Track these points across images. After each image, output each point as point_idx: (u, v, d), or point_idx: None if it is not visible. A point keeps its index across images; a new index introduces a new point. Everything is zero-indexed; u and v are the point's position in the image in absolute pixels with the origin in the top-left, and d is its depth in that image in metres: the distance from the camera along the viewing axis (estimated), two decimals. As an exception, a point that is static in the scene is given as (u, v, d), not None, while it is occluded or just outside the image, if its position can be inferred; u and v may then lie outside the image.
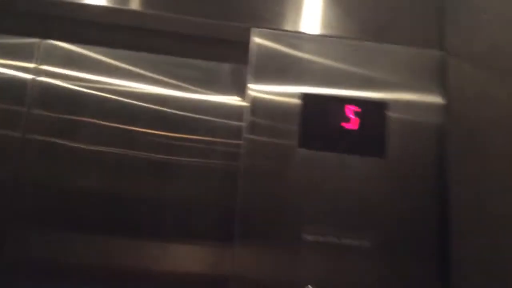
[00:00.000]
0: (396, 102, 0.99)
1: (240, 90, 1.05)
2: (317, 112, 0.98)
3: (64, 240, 0.97)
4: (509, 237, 0.68)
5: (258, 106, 0.97)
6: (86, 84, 1.04)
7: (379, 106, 0.98)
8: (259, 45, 1.00)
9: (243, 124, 0.98)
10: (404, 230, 0.93)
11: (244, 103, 1.00)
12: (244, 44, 1.01)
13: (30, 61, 1.04)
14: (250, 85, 0.98)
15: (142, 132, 1.03)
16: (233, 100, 1.07)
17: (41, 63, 1.04)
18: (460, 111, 0.89)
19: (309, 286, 0.89)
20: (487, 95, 0.78)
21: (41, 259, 0.96)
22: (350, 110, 0.97)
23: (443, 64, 0.99)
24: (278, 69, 0.99)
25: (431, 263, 0.92)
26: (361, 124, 0.97)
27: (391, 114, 0.98)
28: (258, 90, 0.98)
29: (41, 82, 1.03)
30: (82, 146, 1.01)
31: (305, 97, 0.98)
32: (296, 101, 0.98)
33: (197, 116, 1.05)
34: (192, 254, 0.99)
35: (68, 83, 1.03)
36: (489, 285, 0.73)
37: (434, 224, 0.93)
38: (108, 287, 0.97)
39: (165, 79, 1.06)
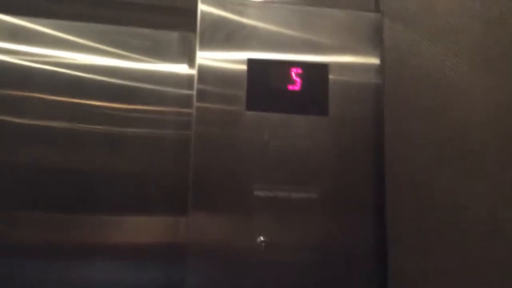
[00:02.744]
0: (336, 64, 1.03)
1: (189, 58, 1.06)
2: (262, 76, 1.01)
3: (17, 218, 0.96)
4: (439, 187, 0.74)
5: (206, 73, 0.99)
6: (31, 58, 1.02)
7: (321, 68, 1.02)
8: (206, 12, 1.02)
9: (193, 92, 1.00)
10: (346, 183, 0.99)
11: (193, 71, 1.02)
12: (191, 11, 1.02)
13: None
14: (199, 53, 1.00)
15: (91, 104, 1.02)
16: (182, 68, 1.08)
17: (-16, 38, 1.01)
18: (394, 71, 0.95)
19: (260, 237, 0.94)
20: (418, 54, 0.83)
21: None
22: (294, 73, 1.01)
23: (379, 26, 1.04)
24: (225, 36, 1.01)
25: (369, 211, 0.98)
26: (305, 86, 1.01)
27: (331, 75, 1.03)
28: (206, 57, 1.00)
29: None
30: (30, 122, 0.99)
31: (251, 62, 1.01)
32: (243, 67, 1.00)
33: (147, 86, 1.05)
34: (147, 225, 1.00)
35: (13, 58, 1.01)
36: (420, 231, 0.79)
37: (372, 176, 1.00)
38: (65, 263, 0.96)
39: (113, 50, 1.05)
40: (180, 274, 0.93)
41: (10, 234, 0.96)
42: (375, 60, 1.04)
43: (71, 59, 1.03)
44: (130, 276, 0.98)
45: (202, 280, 0.92)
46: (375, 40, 1.05)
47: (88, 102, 1.02)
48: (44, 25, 1.04)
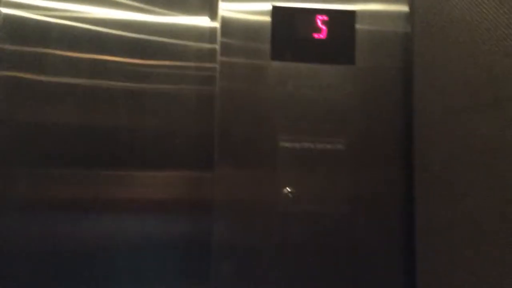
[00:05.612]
0: (364, 11, 1.00)
1: (210, 10, 1.04)
2: (287, 24, 0.98)
3: (42, 176, 0.96)
4: (472, 135, 0.71)
5: (230, 26, 0.97)
6: (49, 13, 1.00)
7: (348, 15, 0.99)
8: (227, -38, 0.98)
9: (216, 46, 0.98)
10: (373, 133, 0.98)
11: (215, 24, 1.00)
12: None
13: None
14: (221, 4, 0.98)
15: (111, 60, 1.00)
16: (203, 21, 1.05)
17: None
18: (424, 18, 0.91)
19: (287, 188, 0.94)
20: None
21: (21, 196, 0.96)
22: (319, 20, 0.98)
23: (409, -29, 1.00)
24: (248, -15, 0.98)
25: (396, 162, 0.97)
26: (331, 34, 0.99)
27: (358, 23, 1.00)
28: (229, 9, 0.98)
29: (4, 14, 0.98)
30: (50, 79, 0.98)
31: (275, 9, 0.98)
32: (267, 18, 0.98)
33: (167, 40, 1.02)
34: (172, 180, 1.00)
35: (31, 13, 0.99)
36: (449, 180, 0.78)
37: (400, 127, 0.98)
38: (91, 218, 0.97)
39: (131, 2, 1.03)
40: (207, 228, 0.94)
41: (39, 190, 0.96)
42: (404, 8, 1.01)
43: (89, 13, 1.01)
44: (156, 231, 0.99)
45: (229, 233, 0.93)
46: (405, -13, 1.01)
47: (107, 57, 1.01)
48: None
